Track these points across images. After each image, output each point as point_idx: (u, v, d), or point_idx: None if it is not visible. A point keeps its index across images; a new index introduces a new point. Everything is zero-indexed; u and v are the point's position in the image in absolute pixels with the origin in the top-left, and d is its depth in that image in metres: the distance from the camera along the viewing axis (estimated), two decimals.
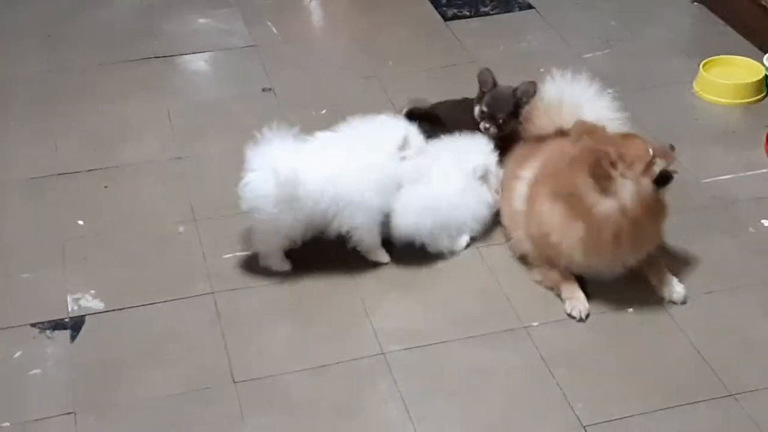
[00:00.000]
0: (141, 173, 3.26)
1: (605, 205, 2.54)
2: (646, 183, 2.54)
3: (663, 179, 2.57)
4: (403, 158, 2.73)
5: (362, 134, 2.78)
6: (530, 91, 2.93)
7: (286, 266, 2.82)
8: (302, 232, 2.76)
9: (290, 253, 2.83)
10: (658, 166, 2.56)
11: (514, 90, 2.95)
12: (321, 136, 2.80)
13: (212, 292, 2.76)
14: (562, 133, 2.86)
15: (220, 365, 2.54)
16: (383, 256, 2.83)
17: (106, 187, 3.20)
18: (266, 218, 2.71)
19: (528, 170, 2.78)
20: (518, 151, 2.91)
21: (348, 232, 2.75)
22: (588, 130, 2.63)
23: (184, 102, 3.65)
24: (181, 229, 3.00)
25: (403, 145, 2.72)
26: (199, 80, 3.89)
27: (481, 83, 3.01)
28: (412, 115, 3.02)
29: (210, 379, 2.51)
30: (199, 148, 3.37)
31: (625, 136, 2.65)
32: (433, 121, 3.03)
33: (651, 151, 2.54)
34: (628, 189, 2.52)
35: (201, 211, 3.06)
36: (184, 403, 2.45)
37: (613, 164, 2.51)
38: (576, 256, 2.63)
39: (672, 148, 2.63)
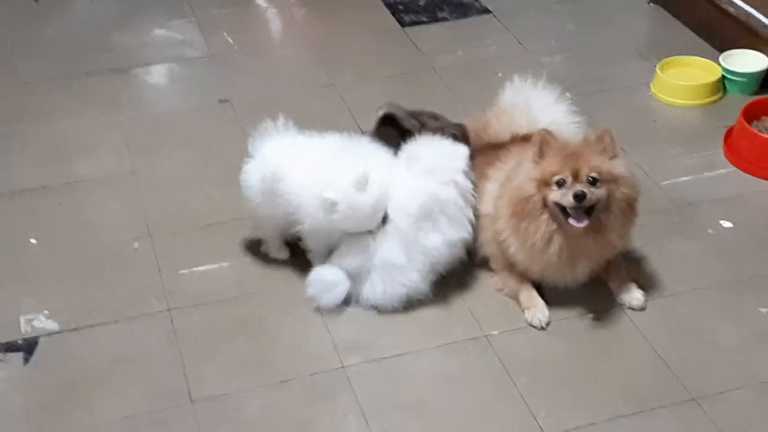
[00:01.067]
0: (96, 189, 3.21)
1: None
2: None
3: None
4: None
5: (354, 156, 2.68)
6: (459, 134, 2.84)
7: (283, 254, 2.86)
8: (288, 227, 2.74)
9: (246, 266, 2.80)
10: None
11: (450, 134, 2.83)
12: (323, 138, 2.79)
13: (168, 309, 2.72)
14: (523, 138, 2.84)
15: (177, 384, 2.50)
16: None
17: (60, 204, 3.15)
18: (254, 207, 2.77)
19: (497, 172, 2.76)
20: (483, 156, 2.87)
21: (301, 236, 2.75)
22: (547, 140, 2.59)
23: (140, 115, 3.60)
24: (136, 245, 2.96)
25: (361, 183, 2.58)
26: (155, 93, 3.84)
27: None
28: (387, 120, 2.96)
29: (167, 398, 2.47)
30: (154, 162, 3.33)
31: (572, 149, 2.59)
32: (404, 135, 2.89)
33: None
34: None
35: (157, 226, 3.02)
36: (142, 424, 2.41)
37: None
38: (519, 257, 2.63)
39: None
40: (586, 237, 2.56)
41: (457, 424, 2.40)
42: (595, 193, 2.50)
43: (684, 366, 2.51)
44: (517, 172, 2.61)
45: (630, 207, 2.59)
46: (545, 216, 2.55)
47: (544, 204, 2.54)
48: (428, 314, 2.70)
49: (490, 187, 2.75)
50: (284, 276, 2.83)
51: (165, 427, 2.40)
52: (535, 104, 2.97)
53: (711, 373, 2.50)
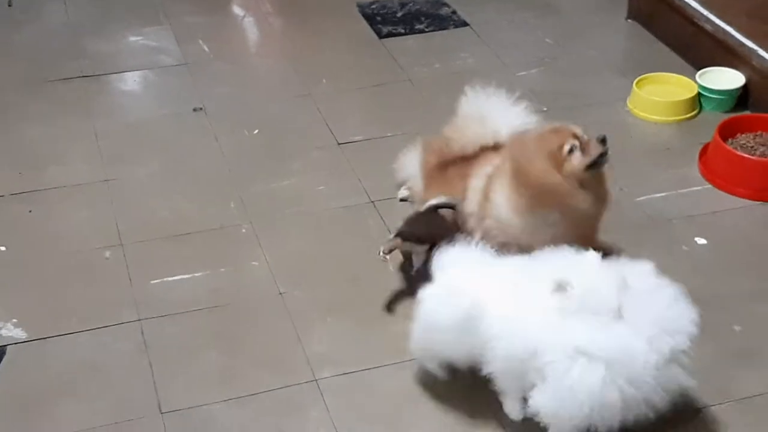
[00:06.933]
0: (67, 197, 3.17)
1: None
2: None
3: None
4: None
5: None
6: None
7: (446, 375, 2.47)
8: (470, 363, 2.36)
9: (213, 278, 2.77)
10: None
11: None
12: (513, 261, 2.39)
13: (139, 320, 2.69)
14: (493, 148, 2.82)
15: (146, 396, 2.47)
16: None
17: (30, 211, 3.11)
18: (432, 342, 2.37)
19: (480, 170, 2.75)
20: (461, 164, 2.85)
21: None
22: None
23: (113, 122, 3.57)
24: (107, 254, 2.92)
25: (560, 288, 2.20)
26: (128, 100, 3.80)
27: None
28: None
29: (137, 410, 2.44)
30: (127, 171, 3.29)
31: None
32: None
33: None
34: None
35: (129, 235, 2.99)
36: None
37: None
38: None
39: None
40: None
41: None
42: None
43: None
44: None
45: None
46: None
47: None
48: (401, 327, 2.66)
49: (475, 183, 2.73)
50: (257, 288, 2.80)
51: None
52: (491, 113, 2.94)
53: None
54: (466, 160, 2.83)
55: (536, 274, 2.27)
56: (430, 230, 2.71)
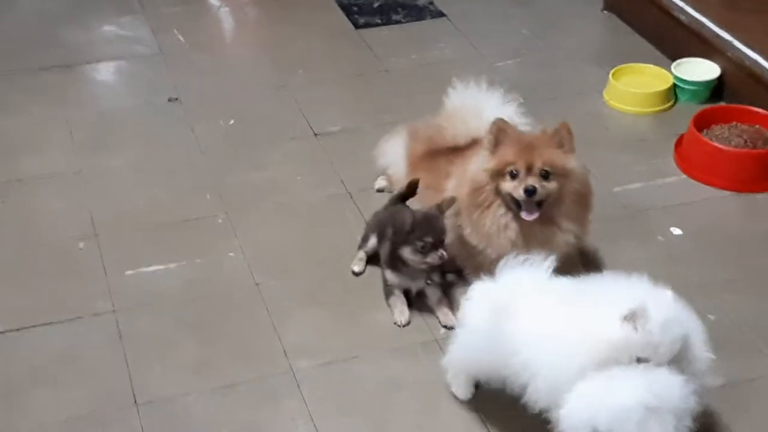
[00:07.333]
0: (41, 187, 3.15)
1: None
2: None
3: None
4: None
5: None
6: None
7: (467, 394, 2.43)
8: (490, 375, 2.31)
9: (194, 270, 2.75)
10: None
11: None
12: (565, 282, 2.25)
13: (114, 311, 2.67)
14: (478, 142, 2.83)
15: (121, 387, 2.46)
16: None
17: (2, 202, 3.09)
18: (466, 340, 2.32)
19: (459, 169, 2.75)
20: (445, 157, 2.85)
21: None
22: (503, 130, 2.57)
23: (87, 112, 3.54)
24: (81, 245, 2.90)
25: (631, 317, 2.03)
26: (103, 90, 3.78)
27: (400, 225, 2.63)
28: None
29: (111, 401, 2.43)
30: (101, 161, 3.27)
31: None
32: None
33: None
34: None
35: (102, 226, 2.97)
36: (84, 428, 2.36)
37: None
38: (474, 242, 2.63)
39: None
40: (541, 226, 2.56)
41: (406, 428, 2.38)
42: (546, 187, 2.51)
43: None
44: (472, 162, 2.62)
45: (582, 202, 2.61)
46: (497, 204, 2.56)
47: (498, 193, 2.55)
48: (379, 318, 2.67)
49: (452, 185, 2.74)
50: (233, 278, 2.79)
51: (108, 429, 2.35)
52: (485, 107, 2.95)
53: None
54: (457, 151, 2.83)
55: (591, 299, 2.14)
56: (383, 218, 2.77)
